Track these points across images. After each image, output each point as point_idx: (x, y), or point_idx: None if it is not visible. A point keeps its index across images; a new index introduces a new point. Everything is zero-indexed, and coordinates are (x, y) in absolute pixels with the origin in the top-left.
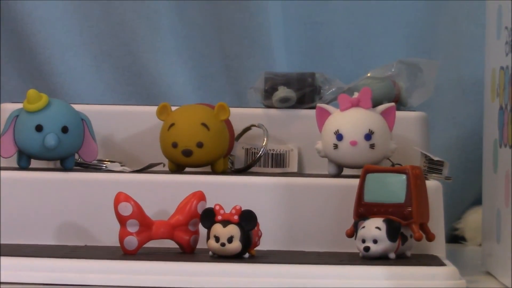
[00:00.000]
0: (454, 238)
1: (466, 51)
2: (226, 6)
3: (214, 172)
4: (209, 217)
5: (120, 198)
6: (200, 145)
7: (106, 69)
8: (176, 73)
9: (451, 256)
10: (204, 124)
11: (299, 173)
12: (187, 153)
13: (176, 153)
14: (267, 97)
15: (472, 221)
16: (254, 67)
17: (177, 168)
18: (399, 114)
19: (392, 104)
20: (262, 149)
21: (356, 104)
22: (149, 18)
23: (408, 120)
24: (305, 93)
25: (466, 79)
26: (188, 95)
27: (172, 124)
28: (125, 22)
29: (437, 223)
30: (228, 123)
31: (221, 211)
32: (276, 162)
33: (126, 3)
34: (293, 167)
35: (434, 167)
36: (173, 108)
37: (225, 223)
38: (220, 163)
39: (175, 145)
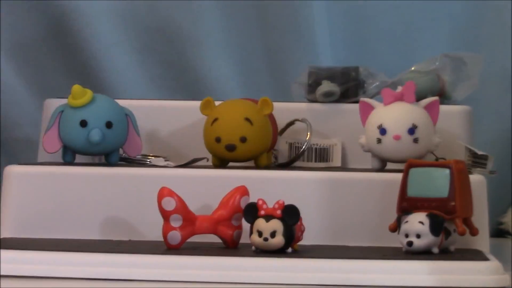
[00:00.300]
0: (499, 232)
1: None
2: (270, 2)
3: (257, 167)
4: (252, 212)
5: (163, 193)
6: (243, 139)
7: (151, 65)
8: (220, 68)
9: (496, 251)
10: (247, 119)
11: (343, 168)
12: (231, 147)
13: (219, 148)
14: (311, 92)
15: None
16: (298, 61)
17: (221, 163)
18: (443, 108)
19: (436, 98)
20: (305, 144)
21: (400, 98)
22: (193, 13)
23: (452, 114)
24: (349, 87)
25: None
26: (232, 90)
27: (216, 119)
28: (170, 18)
29: (481, 218)
30: (271, 117)
31: (264, 206)
32: (319, 157)
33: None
34: (337, 162)
35: (478, 161)
36: (217, 103)
37: (268, 218)
38: (264, 157)
39: (218, 139)
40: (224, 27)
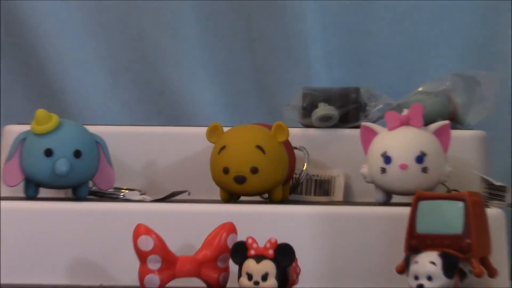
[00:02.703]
0: None
1: None
2: (258, 15)
3: (271, 201)
4: (240, 251)
5: (140, 231)
6: (254, 170)
7: (124, 86)
8: (202, 90)
9: None
10: (259, 147)
11: (344, 201)
12: (240, 179)
13: (227, 179)
14: (306, 116)
15: None
16: (290, 82)
17: (230, 197)
18: (454, 133)
19: (447, 122)
20: (302, 175)
21: (406, 122)
22: (171, 28)
23: (465, 140)
24: (349, 110)
25: None
26: (216, 114)
27: (223, 147)
28: (145, 33)
29: (500, 257)
30: (287, 145)
31: (254, 245)
32: (319, 189)
33: (146, 12)
34: (339, 195)
35: (495, 193)
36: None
37: (259, 258)
38: (278, 191)
39: (226, 170)
40: (206, 43)
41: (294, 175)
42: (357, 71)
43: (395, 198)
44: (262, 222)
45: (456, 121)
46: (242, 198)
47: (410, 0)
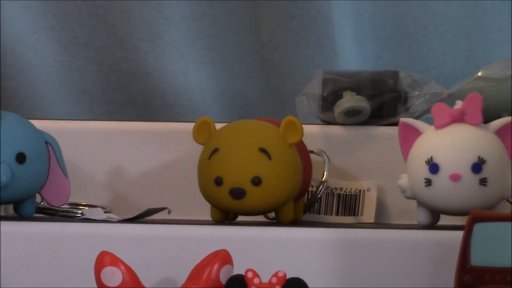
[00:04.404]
0: None
1: None
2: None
3: (279, 223)
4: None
5: (104, 261)
6: (257, 181)
7: (82, 67)
8: (188, 72)
9: None
10: (263, 150)
11: (376, 223)
12: (238, 193)
13: (221, 193)
14: (327, 108)
15: None
16: (307, 63)
17: (224, 216)
18: None
19: None
20: (321, 188)
21: (460, 118)
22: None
23: None
24: (384, 102)
25: None
26: (207, 106)
27: (216, 150)
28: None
29: None
30: (301, 148)
31: (256, 280)
32: (343, 207)
33: None
34: (369, 215)
35: None
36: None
37: None
38: (289, 209)
39: (219, 181)
40: (194, 12)
41: (310, 188)
42: (396, 48)
43: (444, 219)
44: (267, 250)
45: None
46: (240, 217)
47: None
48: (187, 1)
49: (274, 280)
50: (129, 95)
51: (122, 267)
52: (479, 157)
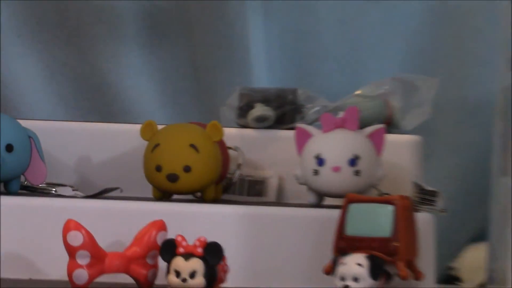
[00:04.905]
0: (449, 278)
1: (471, 68)
2: (199, 12)
3: (204, 201)
4: (169, 249)
5: (69, 226)
6: (187, 169)
7: (60, 81)
8: (141, 87)
9: None
10: (192, 146)
11: (276, 202)
12: (173, 178)
13: (160, 177)
14: (242, 116)
15: (470, 260)
16: (230, 82)
17: (162, 195)
18: (390, 137)
19: (381, 126)
20: (235, 175)
21: (341, 125)
22: (110, 25)
23: (400, 144)
24: (285, 111)
25: (471, 100)
26: (153, 112)
27: (157, 145)
28: (83, 27)
29: (427, 261)
30: (221, 145)
31: (184, 243)
32: (252, 190)
33: (84, 8)
34: (271, 196)
35: (426, 198)
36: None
37: (188, 256)
38: (211, 190)
39: (159, 168)
40: (146, 41)
41: (228, 175)
42: (297, 72)
43: (327, 201)
44: (193, 221)
45: (393, 125)
46: (175, 196)
47: (354, 1)
48: (142, 38)
49: (197, 243)
50: (96, 103)
51: (83, 231)
52: (354, 154)
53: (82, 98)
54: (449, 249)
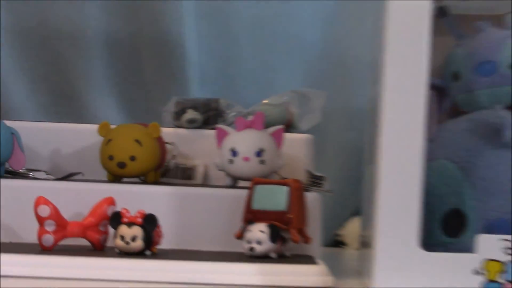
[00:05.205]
0: (337, 243)
1: (353, 82)
2: (149, 43)
3: (146, 183)
4: (116, 219)
5: (39, 201)
6: (132, 158)
7: (42, 92)
8: (103, 98)
9: (333, 258)
10: (137, 141)
11: (202, 184)
12: (121, 165)
13: (112, 165)
14: (177, 119)
15: (351, 229)
16: (173, 93)
17: (114, 178)
18: (289, 135)
19: (280, 126)
20: (171, 163)
21: (250, 125)
22: (82, 50)
23: (296, 141)
24: (210, 116)
25: (353, 108)
26: (113, 117)
27: (110, 140)
28: (60, 53)
29: (315, 229)
30: (160, 140)
31: (127, 214)
32: (184, 175)
33: (63, 36)
34: (198, 180)
35: (316, 181)
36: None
37: (130, 224)
38: (152, 175)
39: (111, 158)
40: (108, 62)
41: (165, 163)
42: (223, 87)
43: (240, 183)
44: (137, 198)
45: (292, 127)
46: (124, 179)
47: (266, 25)
48: (104, 56)
49: (138, 214)
50: (68, 109)
51: (51, 206)
52: (260, 148)
53: (58, 105)
54: (337, 220)
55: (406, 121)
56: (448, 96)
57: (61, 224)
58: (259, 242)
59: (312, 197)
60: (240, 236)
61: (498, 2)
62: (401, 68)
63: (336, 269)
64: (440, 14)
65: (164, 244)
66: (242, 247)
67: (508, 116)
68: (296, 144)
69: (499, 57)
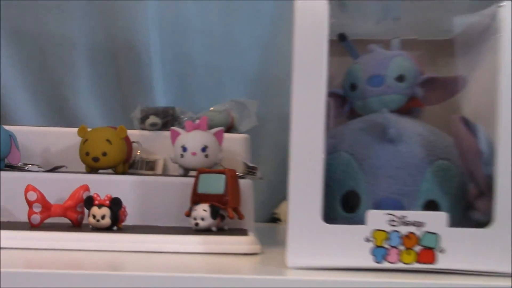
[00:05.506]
0: (273, 219)
1: (284, 94)
2: (127, 65)
3: (116, 173)
4: (90, 202)
5: (29, 188)
6: (104, 154)
7: (41, 102)
8: (89, 106)
9: (270, 232)
10: (108, 140)
11: (161, 174)
12: (96, 159)
13: (88, 159)
14: (142, 122)
15: (284, 208)
16: (143, 102)
17: (91, 170)
18: (230, 135)
19: (221, 128)
20: (136, 157)
21: (197, 127)
22: (71, 67)
23: (236, 140)
24: (168, 120)
25: (283, 114)
26: (96, 120)
27: (86, 140)
28: (54, 70)
29: (248, 208)
30: (127, 139)
31: (98, 198)
32: (147, 167)
33: (57, 54)
34: (159, 171)
35: (251, 170)
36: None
37: (100, 206)
38: (120, 167)
39: (87, 154)
40: (93, 75)
41: (132, 158)
42: (182, 97)
43: (191, 173)
44: (107, 185)
45: (234, 129)
46: (99, 171)
47: (218, 39)
48: (88, 65)
49: (106, 198)
50: (61, 116)
51: (38, 192)
52: (204, 145)
53: (53, 113)
54: (273, 202)
55: (311, 122)
56: (347, 102)
57: (46, 206)
58: (202, 219)
59: (246, 183)
60: (188, 214)
61: (387, 29)
62: (306, 82)
63: (269, 240)
64: (341, 39)
65: (130, 221)
66: (189, 222)
67: (392, 118)
68: (236, 143)
69: (386, 71)
